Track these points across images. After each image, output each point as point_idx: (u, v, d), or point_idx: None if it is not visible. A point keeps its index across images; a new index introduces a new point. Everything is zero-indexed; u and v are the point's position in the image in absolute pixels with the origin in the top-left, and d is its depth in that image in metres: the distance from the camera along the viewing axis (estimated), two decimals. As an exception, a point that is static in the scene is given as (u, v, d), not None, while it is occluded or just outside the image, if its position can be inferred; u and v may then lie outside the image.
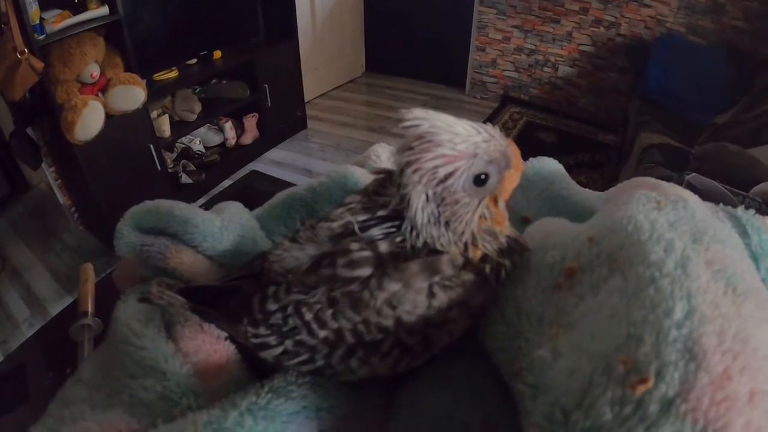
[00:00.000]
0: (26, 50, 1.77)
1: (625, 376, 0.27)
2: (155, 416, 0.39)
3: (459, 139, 0.35)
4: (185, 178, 2.71)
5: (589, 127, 3.43)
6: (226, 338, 0.46)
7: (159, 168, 2.49)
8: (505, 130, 3.43)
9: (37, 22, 1.84)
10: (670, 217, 0.38)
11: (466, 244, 0.38)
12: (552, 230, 0.45)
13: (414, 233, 0.37)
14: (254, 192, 1.06)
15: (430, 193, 0.36)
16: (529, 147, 3.25)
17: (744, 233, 0.41)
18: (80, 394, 0.45)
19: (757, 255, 0.40)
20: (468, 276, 0.38)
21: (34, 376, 0.70)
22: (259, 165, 3.09)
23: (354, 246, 0.38)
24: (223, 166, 2.92)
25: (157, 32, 2.42)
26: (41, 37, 1.86)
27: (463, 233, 0.38)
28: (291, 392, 0.39)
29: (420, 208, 0.36)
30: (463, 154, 0.36)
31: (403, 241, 0.38)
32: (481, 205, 0.38)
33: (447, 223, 0.37)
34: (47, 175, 2.38)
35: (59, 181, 2.38)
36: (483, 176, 0.37)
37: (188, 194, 2.60)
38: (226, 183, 2.86)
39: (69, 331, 0.66)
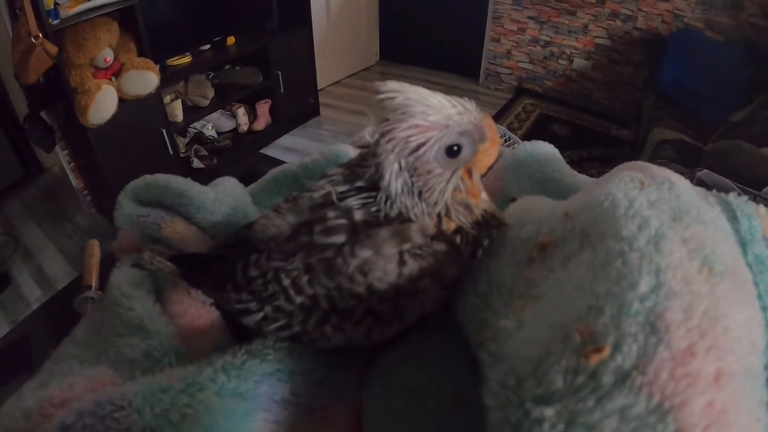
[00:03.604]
0: (40, 35, 1.79)
1: (581, 345, 0.27)
2: (137, 372, 0.41)
3: (432, 110, 0.36)
4: (197, 163, 2.74)
5: (603, 120, 3.39)
6: (211, 304, 0.48)
7: (171, 152, 2.52)
8: (519, 121, 3.41)
9: (52, 7, 1.86)
10: (651, 197, 0.37)
11: (439, 215, 0.39)
12: (531, 206, 0.45)
13: (388, 203, 0.38)
14: (259, 174, 1.07)
15: (403, 162, 0.37)
16: (542, 139, 3.19)
17: (734, 218, 0.40)
18: (71, 351, 0.48)
19: (746, 240, 0.39)
20: (440, 246, 0.38)
21: (39, 345, 0.72)
22: (271, 151, 3.10)
23: (330, 214, 0.39)
24: (235, 152, 2.94)
25: (170, 17, 2.44)
26: (55, 21, 1.88)
27: (436, 204, 0.38)
28: (267, 355, 0.40)
29: (393, 177, 0.37)
30: (435, 125, 0.36)
31: (378, 210, 0.39)
32: (454, 176, 0.39)
33: (420, 194, 0.38)
34: (60, 158, 2.41)
35: (72, 164, 2.42)
36: (455, 147, 0.38)
37: (199, 179, 2.52)
38: (238, 169, 2.87)
39: (73, 303, 0.67)
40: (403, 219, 0.38)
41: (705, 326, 0.26)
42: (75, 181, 2.48)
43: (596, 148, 3.08)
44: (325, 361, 0.43)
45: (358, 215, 0.39)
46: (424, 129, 0.36)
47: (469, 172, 0.40)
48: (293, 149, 3.14)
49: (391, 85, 0.37)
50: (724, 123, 2.34)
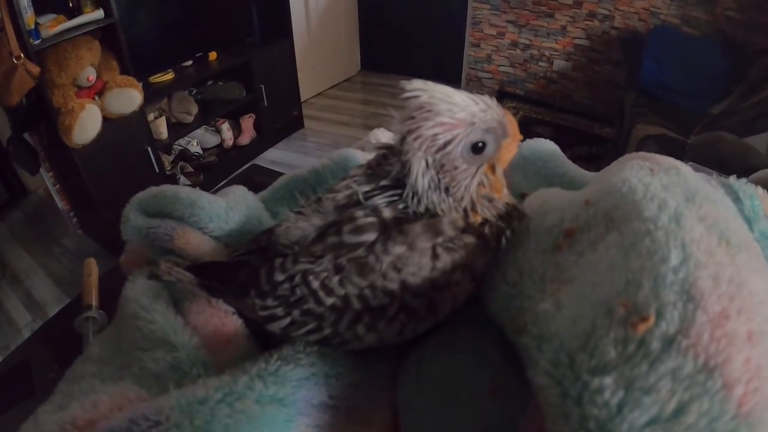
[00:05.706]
0: (22, 55, 1.77)
1: (626, 317, 0.28)
2: (165, 386, 0.39)
3: (457, 108, 0.37)
4: (183, 180, 2.71)
5: (586, 120, 3.42)
6: (233, 313, 0.47)
7: (157, 170, 2.49)
8: (502, 125, 3.42)
9: (33, 27, 1.83)
10: (663, 181, 0.39)
11: (465, 210, 0.39)
12: (548, 198, 0.46)
13: (415, 199, 0.38)
14: (255, 184, 1.07)
15: (430, 159, 0.38)
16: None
17: (737, 199, 0.42)
18: (90, 369, 0.46)
19: (750, 219, 0.41)
20: (470, 239, 0.39)
21: (39, 369, 0.70)
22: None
23: (359, 213, 0.39)
24: (221, 167, 2.91)
25: (152, 35, 2.42)
26: (37, 41, 1.86)
27: (462, 199, 0.39)
28: (299, 359, 0.39)
29: (420, 174, 0.38)
30: (461, 122, 0.37)
31: (406, 207, 0.39)
32: (479, 172, 0.39)
33: (447, 189, 0.39)
34: (45, 180, 2.37)
35: (57, 185, 2.38)
36: (480, 144, 0.38)
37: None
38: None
39: (74, 324, 0.66)
40: (431, 215, 0.39)
41: (732, 291, 0.28)
42: (61, 203, 2.43)
43: (580, 147, 3.11)
44: (356, 362, 0.42)
45: (387, 213, 0.39)
46: (450, 126, 0.37)
47: (493, 168, 0.40)
48: (279, 162, 3.12)
49: (416, 83, 0.37)
50: (705, 116, 2.38)
